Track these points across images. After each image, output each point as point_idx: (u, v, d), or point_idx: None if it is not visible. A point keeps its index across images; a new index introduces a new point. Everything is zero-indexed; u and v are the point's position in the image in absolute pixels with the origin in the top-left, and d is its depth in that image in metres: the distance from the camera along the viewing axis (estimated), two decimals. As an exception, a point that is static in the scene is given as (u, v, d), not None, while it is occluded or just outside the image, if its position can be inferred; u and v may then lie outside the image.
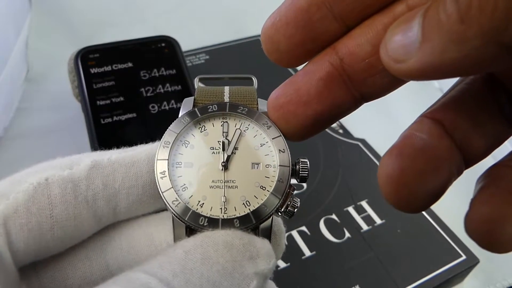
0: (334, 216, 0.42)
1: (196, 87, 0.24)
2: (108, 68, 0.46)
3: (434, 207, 0.43)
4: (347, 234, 0.41)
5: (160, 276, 0.17)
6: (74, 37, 0.63)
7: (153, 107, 0.44)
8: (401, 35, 0.16)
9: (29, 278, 0.21)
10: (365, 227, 0.41)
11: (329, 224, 0.41)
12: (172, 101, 0.45)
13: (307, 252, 0.39)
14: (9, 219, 0.19)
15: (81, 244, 0.22)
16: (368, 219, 0.42)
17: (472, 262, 0.39)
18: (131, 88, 0.45)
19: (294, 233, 0.40)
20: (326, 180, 0.45)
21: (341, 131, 0.51)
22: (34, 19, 0.60)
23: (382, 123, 0.54)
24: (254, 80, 0.25)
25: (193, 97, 0.23)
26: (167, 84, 0.46)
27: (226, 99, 0.23)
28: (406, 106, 0.55)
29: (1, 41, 0.49)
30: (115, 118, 0.43)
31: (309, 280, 0.37)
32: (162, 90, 0.45)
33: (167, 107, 0.44)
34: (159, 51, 0.48)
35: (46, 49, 0.60)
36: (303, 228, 0.41)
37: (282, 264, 0.38)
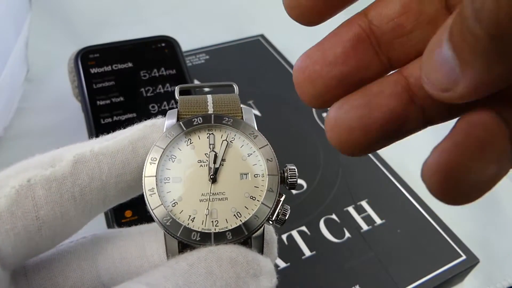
0: (334, 216, 0.42)
1: (177, 97, 0.24)
2: (108, 68, 0.46)
3: (434, 207, 0.43)
4: (347, 234, 0.41)
5: None
6: (74, 37, 0.64)
7: (153, 107, 0.44)
8: (437, 64, 0.15)
9: (20, 285, 0.20)
10: (365, 227, 0.41)
11: (329, 224, 0.41)
12: (172, 101, 0.45)
13: (307, 252, 0.39)
14: None
15: (73, 253, 0.22)
16: (368, 219, 0.42)
17: (472, 262, 0.39)
18: (131, 88, 0.45)
19: (294, 233, 0.40)
20: (326, 180, 0.45)
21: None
22: (34, 19, 0.60)
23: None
24: (235, 87, 0.25)
25: (176, 109, 0.23)
26: (167, 84, 0.46)
27: (210, 109, 0.23)
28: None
29: (1, 41, 0.49)
30: (115, 118, 0.43)
31: (309, 280, 0.37)
32: (162, 90, 0.45)
33: (167, 107, 0.44)
34: (159, 51, 0.48)
35: (46, 49, 0.60)
36: (303, 228, 0.41)
37: (282, 264, 0.38)
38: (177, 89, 0.25)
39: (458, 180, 0.17)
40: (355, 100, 0.20)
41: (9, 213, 0.19)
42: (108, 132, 0.22)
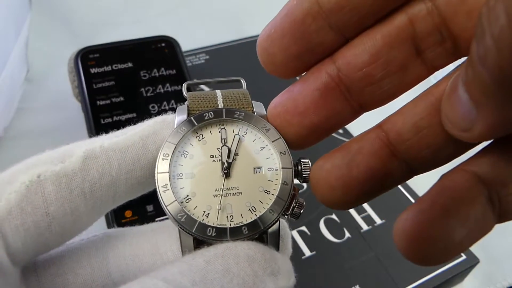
0: (334, 216, 0.42)
1: (185, 94, 0.24)
2: (108, 68, 0.46)
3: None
4: (347, 234, 0.41)
5: (179, 284, 0.17)
6: (74, 37, 0.63)
7: (153, 107, 0.44)
8: (455, 106, 0.16)
9: (30, 282, 0.21)
10: (365, 227, 0.41)
11: (329, 224, 0.41)
12: (172, 101, 0.45)
13: (307, 252, 0.39)
14: (3, 222, 0.18)
15: (83, 250, 0.21)
16: (368, 219, 0.42)
17: (472, 262, 0.39)
18: (131, 88, 0.45)
19: (294, 233, 0.40)
20: (326, 180, 0.45)
21: (341, 131, 0.51)
22: (34, 19, 0.60)
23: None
24: (243, 82, 0.25)
25: (186, 105, 0.23)
26: (167, 84, 0.46)
27: (220, 104, 0.23)
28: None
29: (1, 41, 0.49)
30: (115, 118, 0.43)
31: (309, 280, 0.37)
32: (162, 90, 0.45)
33: (167, 107, 0.44)
34: (159, 51, 0.48)
35: (46, 49, 0.60)
36: (303, 228, 0.41)
37: (282, 264, 0.38)
38: (184, 86, 0.24)
39: (425, 245, 0.18)
40: (336, 159, 0.21)
41: (19, 208, 0.19)
42: (108, 132, 0.22)
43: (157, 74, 0.46)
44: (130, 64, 0.46)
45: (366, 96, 0.20)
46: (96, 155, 0.20)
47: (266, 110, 0.23)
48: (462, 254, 0.39)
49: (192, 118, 0.22)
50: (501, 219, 0.19)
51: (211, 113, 0.22)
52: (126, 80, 0.45)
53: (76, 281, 0.21)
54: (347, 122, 0.21)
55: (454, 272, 0.38)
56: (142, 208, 0.38)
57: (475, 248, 0.40)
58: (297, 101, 0.20)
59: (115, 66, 0.46)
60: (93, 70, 0.45)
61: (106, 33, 0.63)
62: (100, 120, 0.42)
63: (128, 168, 0.21)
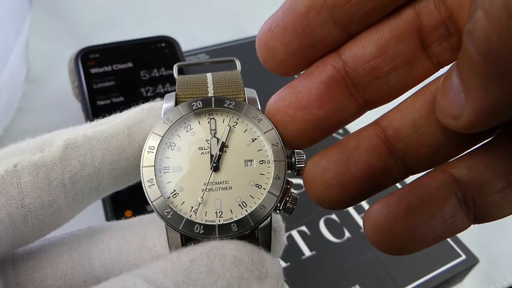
0: (334, 216, 0.42)
1: (176, 76, 0.22)
2: (108, 68, 0.46)
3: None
4: (347, 234, 0.41)
5: (160, 284, 0.16)
6: (74, 37, 0.63)
7: (153, 107, 0.44)
8: (448, 92, 0.16)
9: (7, 275, 0.20)
10: (365, 227, 0.41)
11: (329, 224, 0.41)
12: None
13: (307, 252, 0.39)
14: None
15: (65, 244, 0.21)
16: (368, 219, 0.42)
17: (471, 262, 0.39)
18: (131, 88, 0.45)
19: (294, 233, 0.40)
20: (326, 180, 0.45)
21: (341, 130, 0.51)
22: (34, 19, 0.60)
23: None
24: (237, 63, 0.23)
25: (174, 93, 0.21)
26: (167, 84, 0.46)
27: (210, 90, 0.21)
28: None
29: (1, 41, 0.49)
30: (115, 118, 0.43)
31: (309, 280, 0.37)
32: (162, 90, 0.45)
33: (167, 107, 0.44)
34: (159, 51, 0.48)
35: (46, 49, 0.60)
36: (303, 228, 0.41)
37: (282, 264, 0.38)
38: (175, 67, 0.23)
39: (389, 236, 0.19)
40: (332, 156, 0.20)
41: None
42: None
43: (157, 74, 0.46)
44: (130, 64, 0.46)
45: (373, 91, 0.19)
46: (78, 144, 0.19)
47: (261, 100, 0.22)
48: (462, 254, 0.40)
49: (179, 107, 0.21)
50: (478, 220, 0.19)
51: (200, 102, 0.21)
52: (126, 80, 0.45)
53: (55, 275, 0.20)
54: (352, 119, 0.21)
55: (453, 272, 0.38)
56: (142, 207, 0.38)
57: (475, 248, 0.40)
58: (301, 94, 0.20)
59: (115, 66, 0.46)
60: (93, 70, 0.45)
61: (106, 33, 0.63)
62: (100, 118, 0.42)
63: (112, 158, 0.20)
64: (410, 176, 0.21)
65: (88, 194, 0.20)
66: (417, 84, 0.20)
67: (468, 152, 0.19)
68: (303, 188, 0.44)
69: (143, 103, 0.22)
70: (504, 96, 0.14)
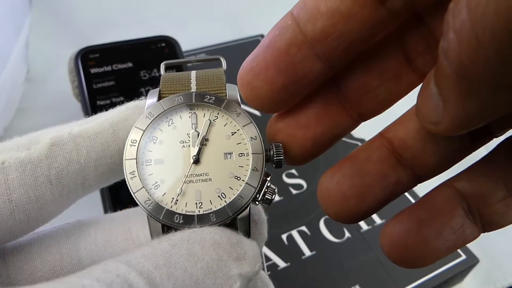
0: (334, 216, 0.42)
1: (162, 73, 0.23)
2: (108, 68, 0.46)
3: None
4: (347, 234, 0.41)
5: (142, 267, 0.17)
6: (74, 37, 0.64)
7: (153, 107, 0.44)
8: (427, 99, 0.16)
9: None
10: (365, 227, 0.41)
11: (329, 224, 0.41)
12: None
13: (307, 252, 0.39)
14: None
15: (53, 237, 0.21)
16: (368, 219, 0.42)
17: (471, 262, 0.39)
18: (131, 88, 0.45)
19: (294, 233, 0.40)
20: (326, 180, 0.45)
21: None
22: (34, 19, 0.60)
23: (382, 123, 0.54)
24: (223, 61, 0.24)
25: (158, 89, 0.22)
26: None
27: (193, 86, 0.22)
28: (406, 106, 0.55)
29: (1, 41, 0.49)
30: (115, 118, 0.43)
31: (309, 280, 0.37)
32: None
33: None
34: (159, 51, 0.48)
35: (46, 49, 0.60)
36: (303, 228, 0.41)
37: (282, 264, 0.38)
38: (162, 66, 0.23)
39: (404, 251, 0.19)
40: (345, 169, 0.21)
41: None
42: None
43: (157, 74, 0.46)
44: (130, 64, 0.46)
45: (364, 105, 0.20)
46: (64, 141, 0.20)
47: (239, 94, 0.22)
48: (462, 254, 0.40)
49: (161, 102, 0.21)
50: (486, 228, 0.20)
51: (181, 97, 0.21)
52: (126, 80, 0.45)
53: (44, 267, 0.20)
54: (348, 131, 0.22)
55: (454, 271, 0.38)
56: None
57: (475, 248, 0.40)
58: (299, 113, 0.21)
59: (115, 66, 0.46)
60: (93, 70, 0.45)
61: (106, 33, 0.63)
62: (86, 117, 0.42)
63: (97, 155, 0.20)
64: (418, 185, 0.22)
65: (74, 190, 0.20)
66: (405, 95, 0.21)
67: (469, 167, 0.20)
68: (303, 188, 0.44)
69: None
70: (479, 108, 0.14)
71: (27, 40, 0.57)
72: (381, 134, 0.21)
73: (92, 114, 0.43)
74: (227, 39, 0.62)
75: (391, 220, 0.20)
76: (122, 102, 0.23)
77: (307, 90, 0.20)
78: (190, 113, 0.21)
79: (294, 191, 0.44)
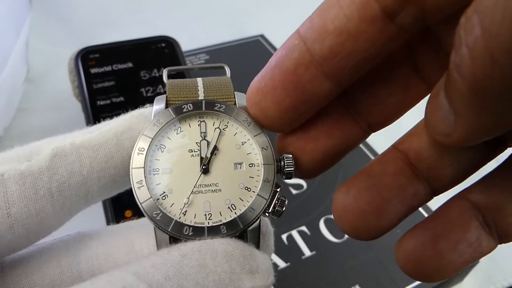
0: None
1: (165, 81, 0.23)
2: (108, 68, 0.46)
3: (434, 207, 0.43)
4: (347, 234, 0.41)
5: (151, 278, 0.16)
6: (74, 37, 0.64)
7: (153, 107, 0.44)
8: (437, 110, 0.16)
9: None
10: (365, 227, 0.41)
11: (329, 224, 0.41)
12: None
13: (307, 252, 0.39)
14: None
15: (53, 250, 0.20)
16: (368, 219, 0.42)
17: (472, 262, 0.39)
18: (131, 88, 0.45)
19: (294, 233, 0.40)
20: (326, 180, 0.45)
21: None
22: (34, 19, 0.60)
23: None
24: (227, 69, 0.23)
25: (165, 95, 0.22)
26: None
27: (201, 94, 0.22)
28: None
29: (1, 41, 0.49)
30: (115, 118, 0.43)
31: (309, 280, 0.37)
32: (162, 90, 0.45)
33: (167, 107, 0.44)
34: (159, 51, 0.48)
35: (46, 49, 0.60)
36: (303, 228, 0.41)
37: (282, 264, 0.38)
38: (165, 72, 0.23)
39: (420, 265, 0.19)
40: (361, 183, 0.20)
41: None
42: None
43: (157, 74, 0.46)
44: (130, 64, 0.46)
45: (374, 115, 0.20)
46: (66, 152, 0.19)
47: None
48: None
49: (169, 109, 0.21)
50: (503, 240, 0.20)
51: (190, 105, 0.21)
52: (126, 80, 0.45)
53: (43, 281, 0.20)
54: (359, 142, 0.21)
55: (454, 272, 0.38)
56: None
57: (475, 248, 0.40)
58: (308, 127, 0.20)
59: (115, 66, 0.46)
60: (93, 70, 0.45)
61: (106, 33, 0.63)
62: (100, 120, 0.42)
63: (100, 167, 0.20)
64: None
65: (76, 202, 0.20)
66: (415, 104, 0.21)
67: (482, 178, 0.20)
68: (303, 188, 0.44)
69: (143, 103, 0.22)
70: (493, 121, 0.14)
71: (27, 40, 0.57)
72: (394, 147, 0.21)
73: (92, 114, 0.43)
74: (227, 39, 0.62)
75: (405, 234, 0.20)
76: (122, 102, 0.23)
77: (316, 109, 0.20)
78: (199, 121, 0.21)
79: (294, 191, 0.44)
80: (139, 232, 0.21)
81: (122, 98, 0.44)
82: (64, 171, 0.19)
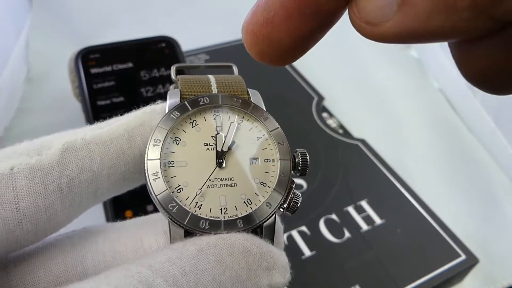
0: (334, 216, 0.42)
1: (174, 77, 0.22)
2: (109, 68, 0.46)
3: (433, 207, 0.43)
4: (347, 234, 0.41)
5: (167, 273, 0.16)
6: (74, 37, 0.64)
7: (153, 107, 0.44)
8: None
9: None
10: (365, 227, 0.41)
11: (329, 224, 0.41)
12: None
13: (307, 252, 0.39)
14: None
15: (58, 247, 0.20)
16: (368, 219, 0.42)
17: (471, 262, 0.39)
18: (131, 88, 0.45)
19: (294, 233, 0.40)
20: (326, 180, 0.45)
21: (341, 131, 0.51)
22: (34, 19, 0.60)
23: (382, 123, 0.54)
24: (235, 68, 0.23)
25: (178, 89, 0.21)
26: (167, 84, 0.46)
27: (214, 89, 0.22)
28: (406, 106, 0.55)
29: (1, 41, 0.49)
30: (115, 118, 0.43)
31: (309, 280, 0.37)
32: (162, 91, 0.45)
33: (167, 107, 0.44)
34: (159, 51, 0.48)
35: (46, 49, 0.60)
36: (303, 228, 0.41)
37: (282, 264, 0.38)
38: (173, 68, 0.23)
39: (260, 42, 0.16)
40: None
41: None
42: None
43: (157, 74, 0.46)
44: (130, 64, 0.46)
45: None
46: (77, 148, 0.19)
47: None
48: (462, 254, 0.40)
49: (186, 102, 0.21)
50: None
51: (207, 98, 0.21)
52: (126, 80, 0.45)
53: (48, 278, 0.19)
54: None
55: (453, 271, 0.38)
56: (142, 208, 0.38)
57: (475, 248, 0.40)
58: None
59: (116, 66, 0.46)
60: (93, 70, 0.45)
61: (106, 33, 0.63)
62: (100, 120, 0.42)
63: (111, 163, 0.19)
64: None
65: (85, 199, 0.19)
66: None
67: None
68: (303, 188, 0.44)
69: (143, 103, 0.22)
70: (441, 28, 0.12)
71: (27, 40, 0.57)
72: None
73: (93, 114, 0.43)
74: (227, 39, 0.62)
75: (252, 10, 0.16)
76: (122, 102, 0.23)
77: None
78: (215, 115, 0.21)
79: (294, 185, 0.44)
80: (147, 229, 0.21)
81: (122, 98, 0.44)
82: (75, 166, 0.19)
